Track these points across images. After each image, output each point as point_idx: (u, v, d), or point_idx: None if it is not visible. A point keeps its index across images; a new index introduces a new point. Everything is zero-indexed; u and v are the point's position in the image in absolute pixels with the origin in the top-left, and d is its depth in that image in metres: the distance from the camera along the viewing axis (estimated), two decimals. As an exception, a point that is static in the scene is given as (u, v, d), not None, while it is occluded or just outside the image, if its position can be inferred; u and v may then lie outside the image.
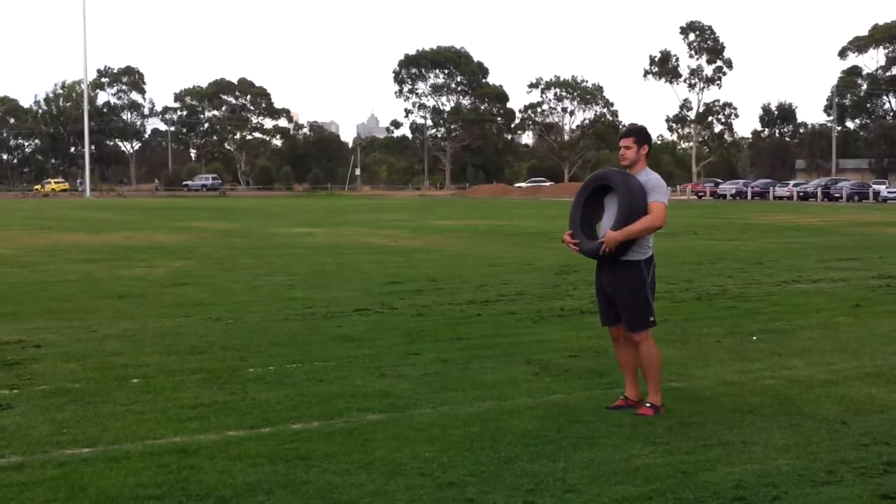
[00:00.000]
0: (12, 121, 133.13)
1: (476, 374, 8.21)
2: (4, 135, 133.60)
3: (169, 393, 7.46)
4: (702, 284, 14.96)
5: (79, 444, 6.02)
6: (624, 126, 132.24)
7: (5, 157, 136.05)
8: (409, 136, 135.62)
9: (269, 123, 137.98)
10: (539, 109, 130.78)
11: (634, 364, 6.98)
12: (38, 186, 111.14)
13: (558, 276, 16.48)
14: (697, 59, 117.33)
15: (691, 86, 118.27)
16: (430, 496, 5.01)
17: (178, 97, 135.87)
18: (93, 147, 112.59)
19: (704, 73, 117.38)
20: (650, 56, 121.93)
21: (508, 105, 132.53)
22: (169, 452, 5.75)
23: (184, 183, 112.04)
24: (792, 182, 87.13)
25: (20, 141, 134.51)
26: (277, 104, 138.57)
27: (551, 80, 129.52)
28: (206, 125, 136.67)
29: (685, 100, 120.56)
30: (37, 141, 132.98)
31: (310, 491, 5.10)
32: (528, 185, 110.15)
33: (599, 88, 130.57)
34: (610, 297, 6.93)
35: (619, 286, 6.82)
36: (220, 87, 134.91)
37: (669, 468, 5.51)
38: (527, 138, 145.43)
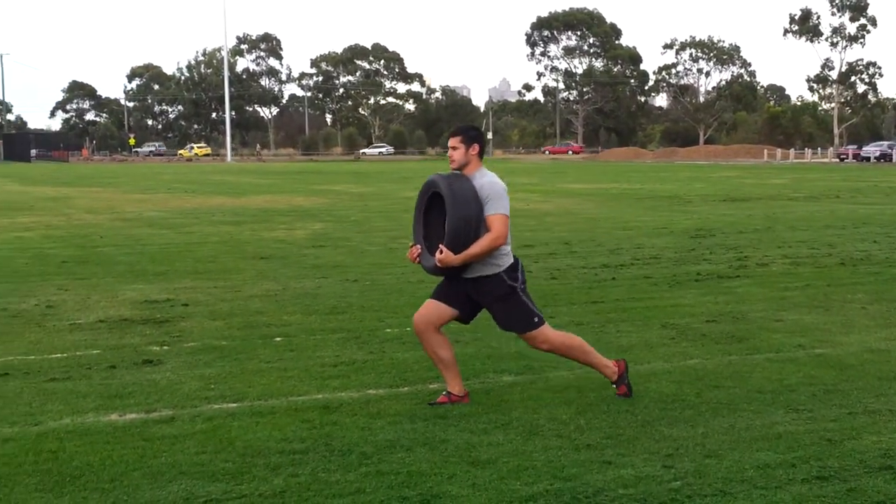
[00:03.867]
0: (157, 87, 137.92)
1: (611, 337, 8.17)
2: (149, 101, 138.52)
3: (311, 351, 7.66)
4: (845, 249, 14.50)
5: (226, 400, 6.25)
6: (762, 87, 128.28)
7: (150, 122, 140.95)
8: (541, 99, 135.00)
9: (402, 88, 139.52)
10: (674, 71, 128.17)
11: (451, 359, 6.09)
12: (182, 151, 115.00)
13: (694, 239, 16.21)
14: (840, 16, 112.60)
15: (833, 44, 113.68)
16: (568, 458, 5.03)
17: (314, 63, 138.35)
18: (233, 112, 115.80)
19: (847, 32, 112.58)
20: (790, 14, 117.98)
21: (642, 67, 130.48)
22: (312, 409, 5.92)
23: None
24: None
25: (164, 107, 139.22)
26: (410, 69, 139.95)
27: (686, 40, 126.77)
28: (341, 90, 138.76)
29: (827, 59, 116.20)
30: (180, 107, 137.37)
31: (448, 449, 5.18)
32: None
33: (736, 48, 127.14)
34: (465, 293, 6.06)
35: (485, 298, 6.02)
36: (355, 52, 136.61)
37: (813, 436, 5.39)
38: (660, 100, 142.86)
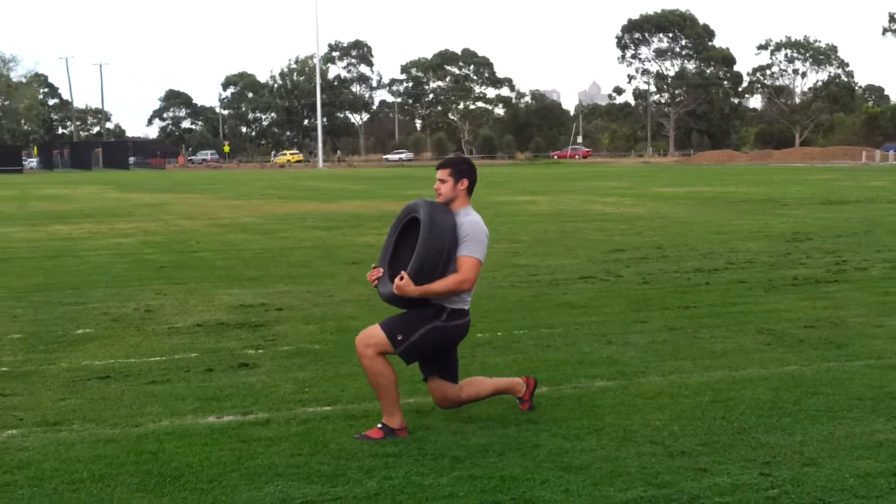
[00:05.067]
0: (250, 95, 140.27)
1: (705, 342, 8.06)
2: (243, 108, 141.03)
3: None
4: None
5: (320, 403, 6.33)
6: (860, 88, 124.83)
7: (244, 129, 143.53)
8: (632, 102, 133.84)
9: (491, 93, 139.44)
10: (768, 72, 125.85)
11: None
12: (277, 158, 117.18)
13: (790, 243, 15.89)
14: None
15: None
16: (662, 464, 4.98)
17: (404, 69, 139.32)
18: (324, 119, 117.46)
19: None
20: (889, 13, 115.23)
21: (735, 68, 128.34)
22: (404, 413, 5.96)
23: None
24: None
25: (258, 114, 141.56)
26: (500, 73, 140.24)
27: (782, 40, 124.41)
28: (431, 96, 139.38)
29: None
30: (273, 114, 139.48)
31: (541, 454, 5.17)
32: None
33: (833, 48, 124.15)
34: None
35: (408, 306, 5.62)
36: (444, 58, 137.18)
37: (916, 445, 5.25)
38: (755, 102, 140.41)
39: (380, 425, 5.57)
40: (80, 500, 4.62)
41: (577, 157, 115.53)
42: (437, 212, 5.50)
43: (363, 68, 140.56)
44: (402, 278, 5.42)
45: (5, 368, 7.48)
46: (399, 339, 5.52)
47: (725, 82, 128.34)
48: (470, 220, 5.55)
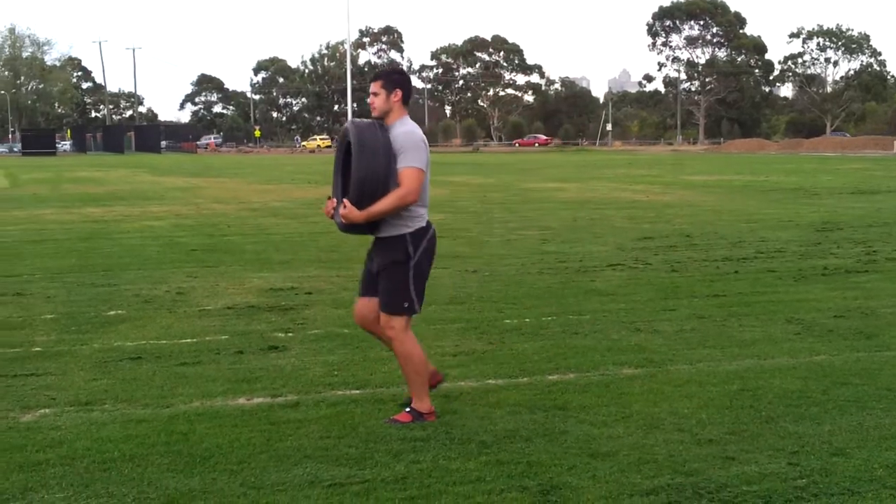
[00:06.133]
0: (281, 80, 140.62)
1: (734, 331, 8.03)
2: (274, 94, 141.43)
3: (430, 341, 7.74)
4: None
5: (349, 386, 6.37)
6: (892, 77, 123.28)
7: (275, 114, 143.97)
8: (662, 90, 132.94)
9: (521, 79, 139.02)
10: (800, 60, 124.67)
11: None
12: (305, 143, 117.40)
13: (820, 233, 15.78)
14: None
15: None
16: (690, 452, 4.98)
17: (434, 55, 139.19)
18: (355, 105, 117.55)
19: None
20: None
21: (766, 56, 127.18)
22: (432, 397, 5.98)
23: None
24: None
25: (288, 99, 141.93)
26: (529, 60, 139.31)
27: (814, 29, 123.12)
28: (461, 82, 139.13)
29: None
30: (303, 99, 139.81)
31: (568, 440, 5.19)
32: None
33: (866, 37, 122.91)
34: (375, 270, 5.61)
35: (379, 260, 5.52)
36: (475, 44, 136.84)
37: (946, 436, 5.22)
38: (786, 90, 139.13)
39: (408, 409, 5.59)
40: (111, 479, 4.68)
41: (535, 144, 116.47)
42: (366, 132, 5.33)
43: (393, 54, 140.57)
44: (344, 206, 5.30)
45: (38, 348, 7.58)
46: (405, 305, 5.45)
47: (756, 71, 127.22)
48: (404, 130, 5.38)
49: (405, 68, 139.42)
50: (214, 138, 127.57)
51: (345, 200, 5.30)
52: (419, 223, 5.44)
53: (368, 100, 5.50)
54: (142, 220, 19.38)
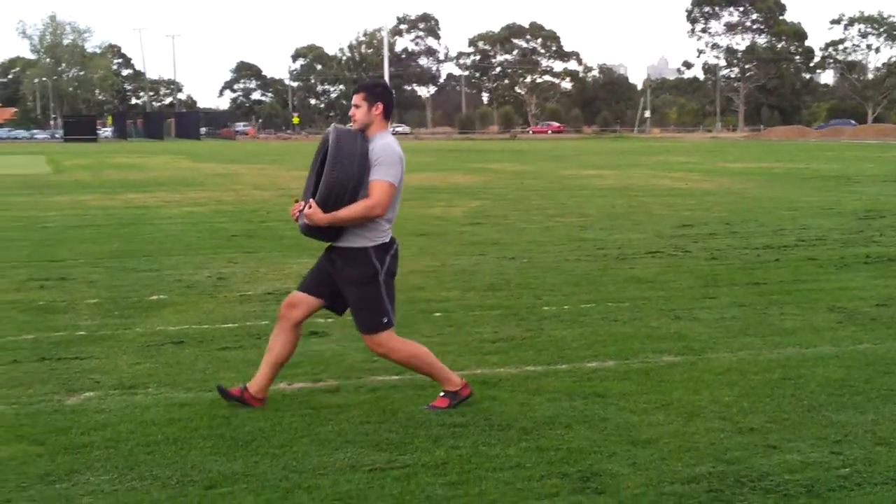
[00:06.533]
0: (319, 67, 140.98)
1: (775, 319, 7.98)
2: (312, 81, 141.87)
3: (469, 327, 7.76)
4: None
5: (389, 372, 6.39)
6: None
7: (313, 101, 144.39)
8: (701, 76, 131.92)
9: (558, 66, 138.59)
10: (841, 47, 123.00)
11: (280, 358, 5.61)
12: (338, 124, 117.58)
13: (862, 220, 15.61)
14: None
15: None
16: (731, 440, 4.96)
17: (472, 42, 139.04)
18: (393, 92, 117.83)
19: None
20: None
21: (807, 43, 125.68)
22: (471, 383, 5.98)
23: None
24: None
25: (326, 87, 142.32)
26: (567, 47, 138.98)
27: (855, 15, 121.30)
28: (498, 69, 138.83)
29: None
30: (341, 86, 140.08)
31: (608, 427, 5.18)
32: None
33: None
34: (333, 281, 5.56)
35: (342, 275, 5.48)
36: (512, 31, 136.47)
37: None
38: (826, 77, 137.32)
39: (442, 393, 5.61)
40: (154, 462, 4.74)
41: (548, 131, 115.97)
42: (345, 138, 5.28)
43: (430, 41, 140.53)
44: (310, 206, 5.28)
45: (82, 332, 7.67)
46: (385, 321, 5.42)
47: (797, 57, 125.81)
48: (382, 143, 5.31)
49: (443, 55, 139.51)
50: (248, 126, 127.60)
51: (311, 200, 5.30)
52: (382, 238, 5.40)
53: (350, 112, 5.47)
54: (182, 205, 19.53)
